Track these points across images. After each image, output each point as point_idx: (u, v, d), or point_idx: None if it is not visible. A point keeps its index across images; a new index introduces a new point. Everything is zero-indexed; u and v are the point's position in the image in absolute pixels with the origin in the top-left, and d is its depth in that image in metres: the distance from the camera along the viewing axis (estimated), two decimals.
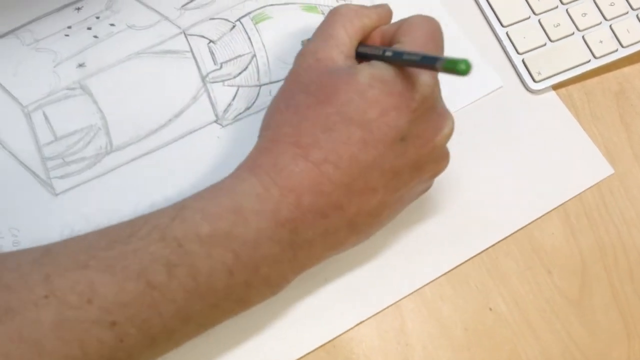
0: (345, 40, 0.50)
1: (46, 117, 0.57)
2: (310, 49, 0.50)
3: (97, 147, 0.57)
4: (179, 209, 0.45)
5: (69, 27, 0.60)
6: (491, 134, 0.60)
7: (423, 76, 0.46)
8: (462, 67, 0.42)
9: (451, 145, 0.53)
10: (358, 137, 0.46)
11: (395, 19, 0.53)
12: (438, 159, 0.50)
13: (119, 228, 0.45)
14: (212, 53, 0.59)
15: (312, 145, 0.46)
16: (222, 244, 0.44)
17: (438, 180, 0.54)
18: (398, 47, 0.48)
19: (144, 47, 0.59)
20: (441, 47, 0.50)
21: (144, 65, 0.58)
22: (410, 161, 0.48)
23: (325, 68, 0.48)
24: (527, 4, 0.62)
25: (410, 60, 0.46)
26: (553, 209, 0.59)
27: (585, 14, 0.62)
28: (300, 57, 0.50)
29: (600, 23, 0.63)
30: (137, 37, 0.59)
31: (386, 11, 0.53)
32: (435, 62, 0.43)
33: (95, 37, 0.59)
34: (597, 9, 0.63)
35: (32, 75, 0.58)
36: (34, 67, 0.58)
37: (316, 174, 0.46)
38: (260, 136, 0.49)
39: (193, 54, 0.59)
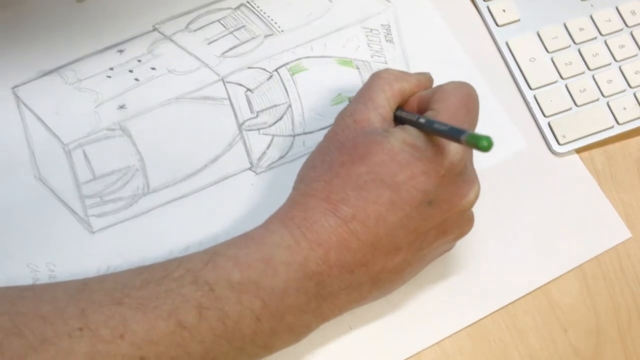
0: (383, 104, 0.53)
1: (86, 156, 0.60)
2: (349, 110, 0.53)
3: (134, 188, 0.60)
4: (211, 255, 0.49)
5: (111, 69, 0.63)
6: (514, 193, 0.63)
7: (453, 144, 0.50)
8: (484, 143, 0.45)
9: (475, 203, 0.57)
10: (387, 198, 0.49)
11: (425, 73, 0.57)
12: (462, 223, 0.54)
13: (153, 269, 0.48)
14: (249, 101, 0.62)
15: (341, 202, 0.49)
16: (252, 291, 0.47)
17: (462, 238, 0.58)
18: (431, 114, 0.51)
19: (184, 92, 0.62)
20: (474, 114, 0.53)
21: (182, 110, 0.62)
22: (435, 224, 0.51)
23: (361, 129, 0.51)
24: (555, 69, 0.66)
25: (439, 130, 0.49)
26: (571, 270, 0.62)
27: (610, 80, 0.66)
28: (340, 117, 0.53)
29: (625, 90, 0.66)
30: (177, 82, 0.62)
31: (426, 78, 0.56)
32: (460, 135, 0.47)
33: (137, 79, 0.63)
34: (622, 76, 0.66)
35: (73, 114, 0.61)
36: (75, 106, 0.61)
37: (344, 231, 0.49)
38: (294, 189, 0.53)
39: (231, 102, 0.62)
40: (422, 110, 0.53)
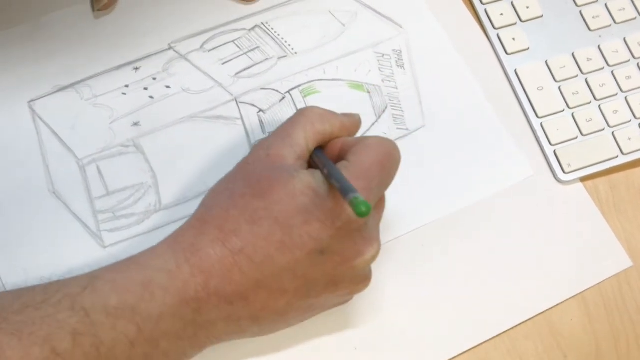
0: (300, 142, 0.53)
1: (100, 172, 0.62)
2: (266, 143, 0.53)
3: (146, 204, 0.61)
4: (91, 279, 0.49)
5: (127, 86, 0.65)
6: (519, 219, 0.65)
7: None
8: (362, 209, 0.46)
9: (480, 228, 0.60)
10: (278, 238, 0.49)
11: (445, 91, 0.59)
12: (356, 280, 0.54)
13: (34, 292, 0.49)
14: (261, 122, 0.64)
15: (233, 233, 0.50)
16: (127, 316, 0.48)
17: (467, 260, 0.61)
18: (343, 164, 0.51)
19: (197, 111, 0.64)
20: (388, 173, 0.53)
21: (195, 129, 0.63)
22: (325, 275, 0.51)
23: (271, 164, 0.52)
24: (562, 98, 0.68)
25: (335, 184, 0.49)
26: (573, 296, 0.63)
27: (616, 111, 0.68)
28: (255, 148, 0.54)
29: (630, 121, 0.68)
30: (191, 100, 0.64)
31: (353, 122, 0.57)
32: (346, 194, 0.47)
33: (151, 97, 0.64)
34: (628, 107, 0.68)
35: (88, 129, 0.63)
36: (91, 122, 0.63)
37: (229, 262, 0.49)
38: (196, 210, 0.53)
39: (243, 122, 0.64)
40: (341, 157, 0.54)
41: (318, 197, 0.50)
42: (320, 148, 0.55)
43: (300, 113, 0.55)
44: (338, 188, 0.49)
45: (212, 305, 0.50)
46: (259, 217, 0.49)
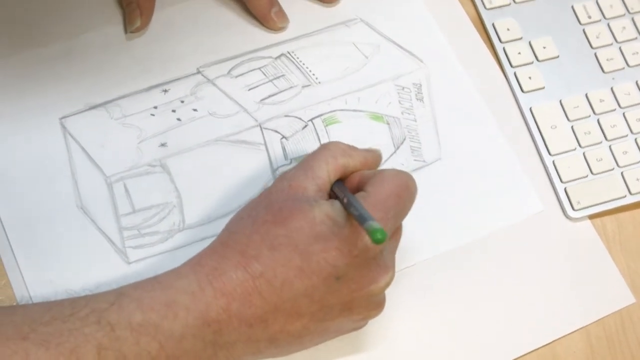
0: (322, 175, 0.56)
1: (126, 190, 0.65)
2: (289, 174, 0.56)
3: (170, 223, 0.64)
4: (117, 295, 0.52)
5: (155, 107, 0.68)
6: (527, 252, 0.68)
7: None
8: (377, 236, 0.49)
9: (490, 260, 0.64)
10: (297, 264, 0.52)
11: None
12: (370, 306, 0.56)
13: (62, 306, 0.52)
14: (283, 148, 0.67)
15: (254, 258, 0.52)
16: (151, 333, 0.50)
17: (475, 290, 0.64)
18: (362, 195, 0.54)
19: (222, 134, 0.67)
20: (405, 204, 0.56)
21: (220, 152, 0.66)
22: (341, 300, 0.54)
23: (293, 194, 0.54)
24: (574, 137, 0.71)
25: (353, 212, 0.52)
26: (576, 330, 0.66)
27: (626, 152, 0.71)
28: (279, 178, 0.57)
29: (639, 162, 0.71)
30: (217, 124, 0.67)
31: (374, 157, 0.60)
32: (363, 222, 0.50)
33: (179, 119, 0.67)
34: (637, 148, 0.71)
35: (117, 148, 0.66)
36: (119, 141, 0.66)
37: (250, 286, 0.52)
38: (219, 234, 0.56)
39: (266, 147, 0.67)
40: (359, 188, 0.56)
41: (336, 225, 0.53)
42: (341, 180, 0.58)
43: (324, 147, 0.58)
44: (356, 216, 0.52)
45: (233, 327, 0.52)
46: (279, 244, 0.52)
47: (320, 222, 0.53)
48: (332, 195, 0.57)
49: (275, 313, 0.53)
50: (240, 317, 0.52)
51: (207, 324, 0.52)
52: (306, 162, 0.57)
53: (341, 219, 0.53)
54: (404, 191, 0.56)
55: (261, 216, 0.54)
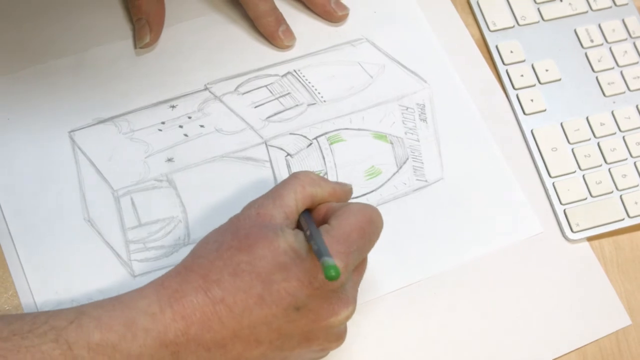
0: (290, 204, 0.57)
1: (133, 203, 0.66)
2: (257, 202, 0.57)
3: (176, 237, 0.66)
4: (77, 314, 0.53)
5: (163, 123, 0.69)
6: (525, 273, 0.69)
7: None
8: (331, 273, 0.50)
9: (488, 280, 0.65)
10: (257, 292, 0.53)
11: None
12: (330, 338, 0.57)
13: (23, 321, 0.52)
14: (288, 166, 0.69)
15: (216, 283, 0.53)
16: (107, 353, 0.51)
17: (473, 310, 0.66)
18: (326, 228, 0.55)
19: (228, 151, 0.68)
20: (369, 239, 0.57)
21: (226, 168, 0.68)
22: (300, 330, 0.55)
23: (260, 222, 0.55)
24: (574, 160, 0.73)
25: (312, 247, 0.53)
26: (573, 350, 0.68)
27: (625, 175, 0.73)
28: (247, 206, 0.58)
29: (638, 185, 0.73)
30: (223, 141, 0.69)
31: (344, 190, 0.61)
32: (320, 257, 0.52)
33: (186, 135, 0.69)
34: (636, 172, 0.73)
35: (125, 162, 0.67)
36: (127, 155, 0.68)
37: (210, 310, 0.53)
38: (185, 257, 0.57)
39: (271, 164, 0.68)
40: (326, 220, 0.57)
41: (299, 257, 0.54)
42: (308, 210, 0.59)
43: (294, 176, 0.59)
44: (314, 250, 0.53)
45: (190, 350, 0.53)
46: (242, 270, 0.53)
47: (284, 252, 0.54)
48: (298, 224, 0.58)
49: (233, 339, 0.54)
50: (199, 340, 0.53)
51: (165, 346, 0.53)
52: (276, 190, 0.58)
53: (304, 251, 0.54)
54: (368, 225, 0.57)
55: (227, 242, 0.55)
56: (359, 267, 0.59)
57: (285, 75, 0.73)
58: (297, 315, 0.54)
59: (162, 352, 0.52)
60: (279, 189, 0.58)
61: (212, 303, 0.53)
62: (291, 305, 0.54)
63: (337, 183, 0.61)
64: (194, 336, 0.53)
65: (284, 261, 0.53)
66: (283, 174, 0.68)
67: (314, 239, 0.54)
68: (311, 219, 0.57)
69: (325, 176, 0.69)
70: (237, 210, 0.64)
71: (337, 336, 0.58)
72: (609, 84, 0.76)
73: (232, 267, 0.53)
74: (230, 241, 0.55)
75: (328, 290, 0.54)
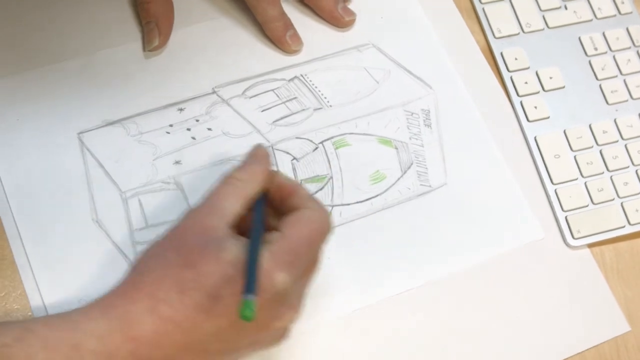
0: (229, 212, 0.56)
1: (141, 205, 0.67)
2: (197, 213, 0.56)
3: None
4: (24, 331, 0.52)
5: (171, 126, 0.71)
6: (526, 278, 0.70)
7: (281, 274, 0.54)
8: (245, 313, 0.51)
9: (489, 285, 0.67)
10: (205, 308, 0.52)
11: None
12: (274, 340, 0.59)
13: None
14: (294, 169, 0.70)
15: (164, 302, 0.52)
16: None
17: (474, 314, 0.67)
18: (277, 236, 0.55)
19: (235, 154, 0.69)
20: (318, 249, 0.57)
21: None
22: (247, 339, 0.56)
23: (202, 235, 0.55)
24: (577, 167, 0.74)
25: (245, 270, 0.53)
26: (572, 356, 0.69)
27: (627, 183, 0.74)
28: (187, 216, 0.57)
29: (639, 193, 0.74)
30: (230, 144, 0.70)
31: (272, 174, 0.59)
32: (243, 292, 0.52)
33: (193, 138, 0.70)
34: (637, 179, 0.74)
35: (133, 164, 0.69)
36: (135, 157, 0.69)
37: (160, 330, 0.52)
38: (129, 272, 0.56)
39: (277, 168, 0.70)
40: (283, 206, 0.58)
41: (243, 267, 0.53)
42: (263, 197, 0.59)
43: (226, 182, 0.58)
44: (245, 278, 0.53)
45: None
46: (189, 288, 0.53)
47: (229, 264, 0.53)
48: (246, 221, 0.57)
49: (182, 352, 0.54)
50: (148, 358, 0.53)
51: None
52: (214, 199, 0.57)
53: None
54: (318, 236, 0.57)
55: (172, 258, 0.55)
56: (307, 272, 0.59)
57: (292, 79, 0.74)
58: (243, 325, 0.54)
59: None
60: (216, 197, 0.57)
61: (161, 322, 0.53)
62: (238, 318, 0.54)
63: (254, 163, 0.60)
64: (145, 356, 0.53)
65: (230, 275, 0.53)
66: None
67: (248, 266, 0.53)
68: (258, 226, 0.57)
69: (330, 180, 0.70)
70: None
71: (282, 335, 0.59)
72: (612, 92, 0.77)
73: (179, 285, 0.53)
74: (176, 258, 0.54)
75: (274, 300, 0.55)
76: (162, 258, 0.55)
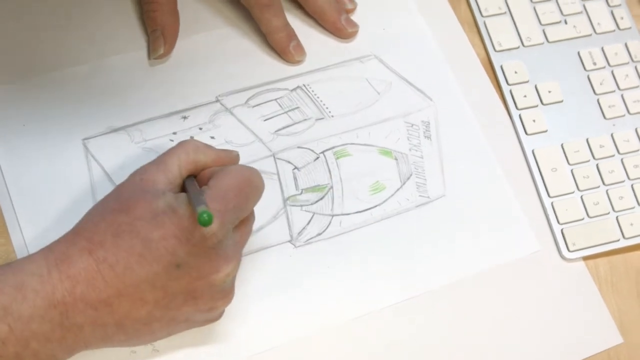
0: (173, 169, 0.60)
1: None
2: (142, 169, 0.61)
3: None
4: None
5: (174, 133, 0.72)
6: (520, 290, 0.72)
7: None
8: (203, 217, 0.54)
9: (483, 296, 0.68)
10: (138, 251, 0.56)
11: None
12: (215, 296, 0.60)
13: None
14: (295, 178, 0.71)
15: (99, 245, 0.56)
16: (0, 316, 0.54)
17: (468, 325, 0.69)
18: (204, 188, 0.59)
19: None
20: (246, 198, 0.60)
21: None
22: (183, 288, 0.58)
23: (143, 186, 0.59)
24: (573, 180, 0.75)
25: (190, 202, 0.57)
26: None
27: (622, 197, 0.75)
28: (132, 173, 0.61)
29: (634, 208, 0.75)
30: None
31: (230, 157, 0.64)
32: (194, 208, 0.55)
33: None
34: (633, 194, 0.76)
35: None
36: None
37: (94, 270, 0.56)
38: (76, 224, 0.60)
39: (279, 177, 0.71)
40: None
41: (176, 215, 0.56)
42: (193, 176, 0.62)
43: (180, 144, 0.62)
44: (192, 205, 0.57)
45: (78, 310, 0.56)
46: (122, 231, 0.56)
47: (162, 212, 0.56)
48: (183, 189, 0.61)
49: (119, 297, 0.56)
50: (85, 300, 0.56)
51: (54, 306, 0.55)
52: (160, 157, 0.61)
53: (183, 211, 0.57)
54: (246, 185, 0.60)
55: (110, 205, 0.59)
56: (241, 226, 0.62)
57: (294, 89, 0.75)
58: (178, 272, 0.57)
59: (52, 312, 0.55)
60: (164, 155, 0.61)
61: (95, 263, 0.56)
62: (171, 263, 0.56)
63: (222, 150, 0.64)
64: (80, 295, 0.55)
65: (162, 220, 0.56)
66: (289, 187, 0.71)
67: (190, 195, 0.57)
68: (194, 182, 0.61)
69: (331, 190, 0.72)
70: None
71: (223, 294, 0.61)
72: (609, 106, 0.79)
73: (114, 228, 0.56)
74: (113, 205, 0.58)
75: (206, 247, 0.57)
76: (102, 205, 0.59)
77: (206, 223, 0.54)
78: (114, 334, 0.58)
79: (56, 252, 0.57)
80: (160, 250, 0.56)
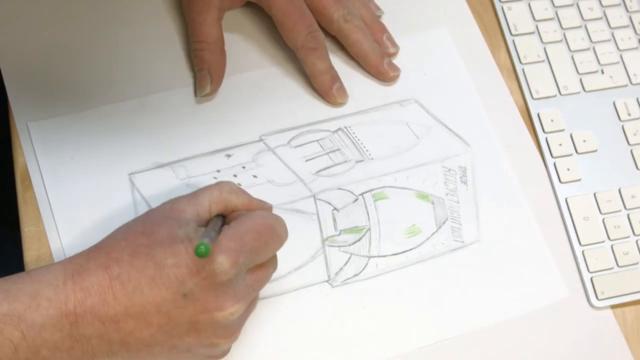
0: (204, 203, 0.63)
1: None
2: (175, 198, 0.64)
3: None
4: None
5: (218, 171, 0.75)
6: (548, 337, 0.74)
7: (221, 256, 0.58)
8: (200, 249, 0.56)
9: (513, 341, 0.71)
10: (150, 273, 0.58)
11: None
12: (217, 332, 0.61)
13: None
14: (334, 219, 0.74)
15: (116, 261, 0.59)
16: (14, 323, 0.56)
17: None
18: (225, 227, 0.61)
19: (279, 202, 0.73)
20: (265, 243, 0.62)
21: None
22: (187, 318, 0.60)
23: (170, 214, 0.62)
24: (604, 230, 0.78)
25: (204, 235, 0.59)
26: None
27: None
28: (167, 201, 0.64)
29: None
30: (274, 192, 0.74)
31: (261, 206, 0.66)
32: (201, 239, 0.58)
33: (239, 184, 0.74)
34: None
35: None
36: None
37: (107, 285, 0.58)
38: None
39: (318, 217, 0.74)
40: None
41: (192, 246, 0.59)
42: (222, 216, 0.64)
43: (217, 183, 0.64)
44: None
45: (87, 321, 0.58)
46: (140, 252, 0.59)
47: (180, 240, 0.59)
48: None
49: (125, 316, 0.58)
50: (94, 312, 0.58)
51: (65, 316, 0.58)
52: (195, 191, 0.64)
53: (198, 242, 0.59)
54: (267, 230, 0.62)
55: (135, 226, 0.62)
56: (257, 270, 0.64)
57: (336, 131, 0.78)
58: (184, 302, 0.59)
59: (63, 321, 0.57)
60: (199, 190, 0.64)
61: (109, 278, 0.58)
62: (179, 291, 0.59)
63: (256, 199, 0.67)
64: (91, 308, 0.58)
65: (178, 248, 0.58)
66: (328, 227, 0.73)
67: (207, 231, 0.60)
68: (218, 220, 0.63)
69: (369, 232, 0.74)
70: (282, 259, 0.69)
71: (226, 332, 0.62)
72: None
73: (132, 248, 0.59)
74: (138, 226, 0.61)
75: (215, 282, 0.59)
76: (128, 225, 0.62)
77: (202, 254, 0.56)
78: (118, 350, 0.60)
79: (75, 264, 0.60)
80: (171, 276, 0.58)
